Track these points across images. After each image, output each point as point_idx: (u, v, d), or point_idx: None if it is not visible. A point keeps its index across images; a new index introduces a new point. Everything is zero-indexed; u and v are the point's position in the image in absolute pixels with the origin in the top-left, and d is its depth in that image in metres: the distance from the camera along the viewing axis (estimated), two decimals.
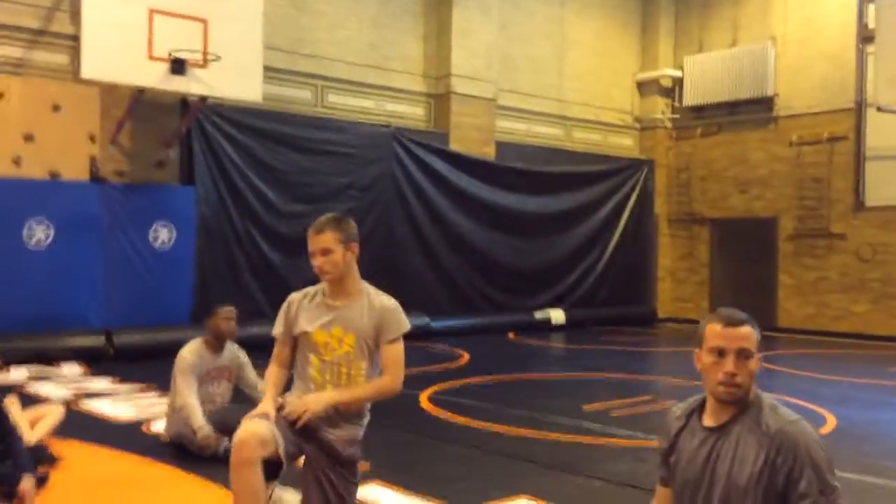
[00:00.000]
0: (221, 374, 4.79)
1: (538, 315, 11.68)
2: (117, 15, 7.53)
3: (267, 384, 3.03)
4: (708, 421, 2.39)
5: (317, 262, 2.99)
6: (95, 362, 7.54)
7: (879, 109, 8.74)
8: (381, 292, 3.09)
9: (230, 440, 2.94)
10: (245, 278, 9.27)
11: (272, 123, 9.44)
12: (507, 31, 12.00)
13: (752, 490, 2.27)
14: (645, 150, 13.86)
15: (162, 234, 8.63)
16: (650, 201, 13.61)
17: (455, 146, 11.09)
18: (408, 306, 10.37)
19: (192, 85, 8.01)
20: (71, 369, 7.28)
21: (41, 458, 3.99)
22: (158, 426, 5.02)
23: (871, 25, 11.13)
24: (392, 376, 2.95)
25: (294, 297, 3.07)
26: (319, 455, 2.89)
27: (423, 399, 6.26)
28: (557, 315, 11.88)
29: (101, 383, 6.69)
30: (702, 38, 13.52)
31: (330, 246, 2.99)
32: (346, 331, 2.98)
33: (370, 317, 2.99)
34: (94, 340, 7.92)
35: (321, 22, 10.16)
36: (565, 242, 12.42)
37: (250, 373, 4.87)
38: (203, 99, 8.39)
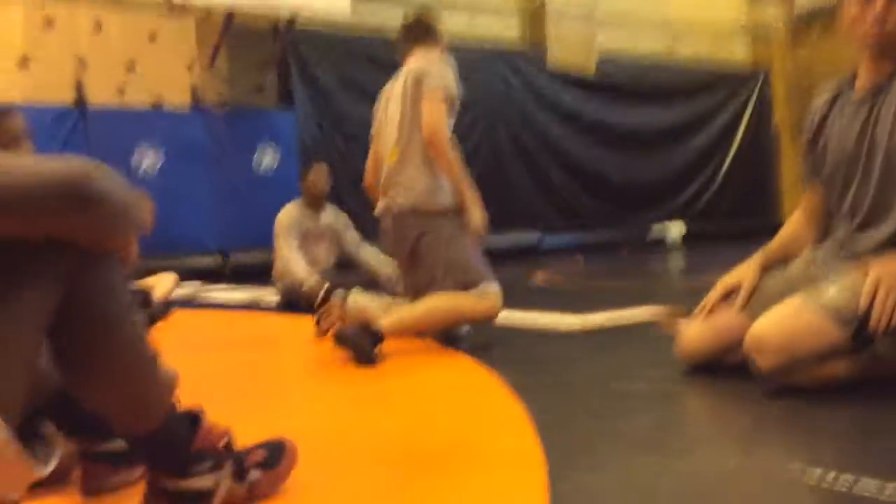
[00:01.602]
0: (322, 235, 4.67)
1: (657, 229, 11.19)
2: None
3: None
4: (861, 86, 2.03)
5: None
6: (213, 281, 7.69)
7: None
8: None
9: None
10: (348, 201, 9.19)
11: (365, 46, 9.29)
12: None
13: None
14: (759, 59, 13.01)
15: (265, 159, 8.65)
16: (767, 111, 12.80)
17: (554, 63, 10.67)
18: (518, 223, 10.01)
19: (281, 3, 7.96)
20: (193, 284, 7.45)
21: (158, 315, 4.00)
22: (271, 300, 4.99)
23: None
24: None
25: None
26: None
27: None
28: (677, 228, 11.34)
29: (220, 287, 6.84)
30: None
31: None
32: None
33: None
34: (211, 261, 8.09)
35: None
36: (679, 156, 11.84)
37: (351, 233, 4.73)
38: (292, 21, 8.33)
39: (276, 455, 1.36)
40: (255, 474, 1.31)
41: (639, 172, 11.34)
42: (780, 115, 12.92)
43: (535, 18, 10.79)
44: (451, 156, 3.03)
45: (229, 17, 8.07)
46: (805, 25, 12.59)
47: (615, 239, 10.73)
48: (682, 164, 11.86)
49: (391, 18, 9.73)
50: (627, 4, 11.72)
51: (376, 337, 2.72)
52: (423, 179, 3.06)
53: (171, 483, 1.21)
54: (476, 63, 10.01)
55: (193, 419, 1.25)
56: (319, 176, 4.66)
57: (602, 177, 11.06)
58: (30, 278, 0.98)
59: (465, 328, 3.14)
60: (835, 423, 1.71)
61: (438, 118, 3.01)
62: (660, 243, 11.00)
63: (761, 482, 1.37)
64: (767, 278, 2.23)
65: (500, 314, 3.04)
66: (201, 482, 1.22)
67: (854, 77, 2.11)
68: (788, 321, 1.92)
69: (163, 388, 1.20)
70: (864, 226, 2.08)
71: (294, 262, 4.36)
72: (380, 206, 3.23)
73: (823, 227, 2.26)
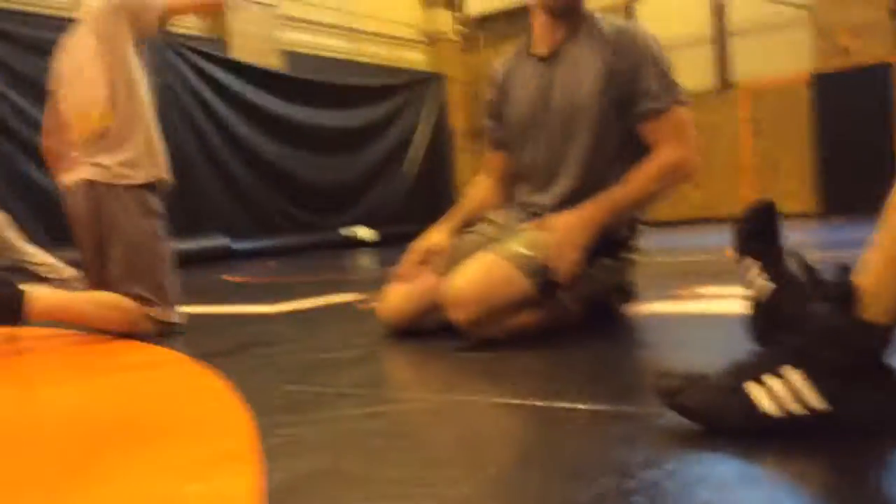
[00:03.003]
0: None
1: (344, 232, 11.31)
2: None
3: None
4: (539, 49, 2.18)
5: None
6: None
7: None
8: None
9: None
10: None
11: (14, 25, 8.32)
12: None
13: (592, 106, 2.08)
14: (435, 65, 13.80)
15: None
16: (444, 116, 13.59)
17: (236, 56, 10.39)
18: (205, 227, 9.54)
19: None
20: None
21: None
22: None
23: None
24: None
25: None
26: None
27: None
28: (365, 232, 11.57)
29: None
30: None
31: None
32: None
33: None
34: None
35: None
36: (364, 158, 12.12)
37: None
38: None
39: None
40: None
41: (326, 174, 11.42)
42: (454, 120, 13.80)
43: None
44: None
45: None
46: (476, 32, 13.60)
47: (306, 243, 10.70)
48: (368, 166, 12.16)
49: None
50: (311, 4, 11.79)
51: None
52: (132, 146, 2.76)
53: None
54: (149, 48, 9.42)
55: None
56: None
57: (290, 176, 10.96)
58: None
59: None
60: (528, 364, 1.81)
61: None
62: (351, 245, 11.16)
63: (466, 412, 1.40)
64: (459, 240, 2.32)
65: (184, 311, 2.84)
66: None
67: (530, 41, 2.25)
68: (482, 274, 2.00)
69: None
70: (543, 183, 2.23)
71: None
72: (70, 177, 2.84)
73: (508, 189, 2.40)
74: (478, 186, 2.47)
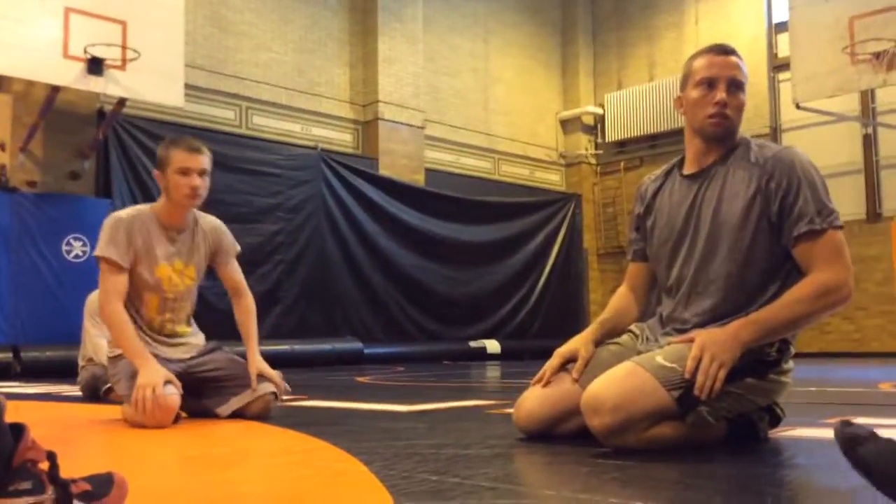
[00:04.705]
0: None
1: (475, 344, 11.41)
2: (32, 13, 7.27)
3: None
4: (690, 169, 2.22)
5: (196, 182, 2.95)
6: (1, 378, 6.94)
7: (798, 107, 9.07)
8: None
9: None
10: None
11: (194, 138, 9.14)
12: (432, 64, 12.11)
13: (741, 225, 2.09)
14: (571, 186, 14.02)
15: (76, 247, 8.13)
16: (578, 236, 13.69)
17: (384, 172, 10.96)
18: (340, 330, 9.96)
19: (110, 86, 7.70)
20: None
21: None
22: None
23: (781, 55, 11.66)
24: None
25: None
26: None
27: None
28: (492, 345, 11.62)
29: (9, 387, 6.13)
30: (620, 77, 13.93)
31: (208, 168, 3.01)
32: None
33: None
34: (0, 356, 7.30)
35: (245, 43, 10.05)
36: (497, 274, 12.30)
37: None
38: (121, 104, 8.07)
39: (103, 487, 1.23)
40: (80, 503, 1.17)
41: (460, 287, 11.66)
42: (588, 239, 13.86)
43: (367, 129, 11.11)
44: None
45: (52, 95, 7.71)
46: (614, 155, 13.78)
47: (434, 351, 10.85)
48: (500, 282, 12.32)
49: (223, 115, 9.75)
50: (455, 126, 12.36)
51: None
52: None
53: None
54: (305, 161, 10.10)
55: (16, 431, 1.11)
56: None
57: (425, 287, 11.25)
58: None
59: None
60: (666, 473, 1.78)
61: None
62: (477, 356, 11.21)
63: None
64: (600, 349, 2.33)
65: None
66: (20, 502, 1.07)
67: (682, 160, 2.31)
68: (623, 382, 2.00)
69: None
70: (688, 299, 2.23)
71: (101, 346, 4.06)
72: None
73: (647, 301, 2.41)
74: (619, 297, 2.50)
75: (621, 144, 13.70)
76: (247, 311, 3.13)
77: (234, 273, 3.15)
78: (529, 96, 13.67)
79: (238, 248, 3.18)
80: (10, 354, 7.37)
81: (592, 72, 14.24)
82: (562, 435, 2.21)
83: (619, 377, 2.01)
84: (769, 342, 2.08)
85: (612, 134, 13.66)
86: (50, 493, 1.13)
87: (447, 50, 12.43)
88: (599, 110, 13.87)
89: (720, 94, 2.11)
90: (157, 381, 2.63)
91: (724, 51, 2.16)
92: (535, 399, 2.27)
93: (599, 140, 14.01)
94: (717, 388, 1.98)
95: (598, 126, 14.00)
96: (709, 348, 2.00)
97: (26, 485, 1.09)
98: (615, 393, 1.97)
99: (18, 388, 5.49)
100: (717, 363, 1.98)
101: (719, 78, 2.12)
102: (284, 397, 3.15)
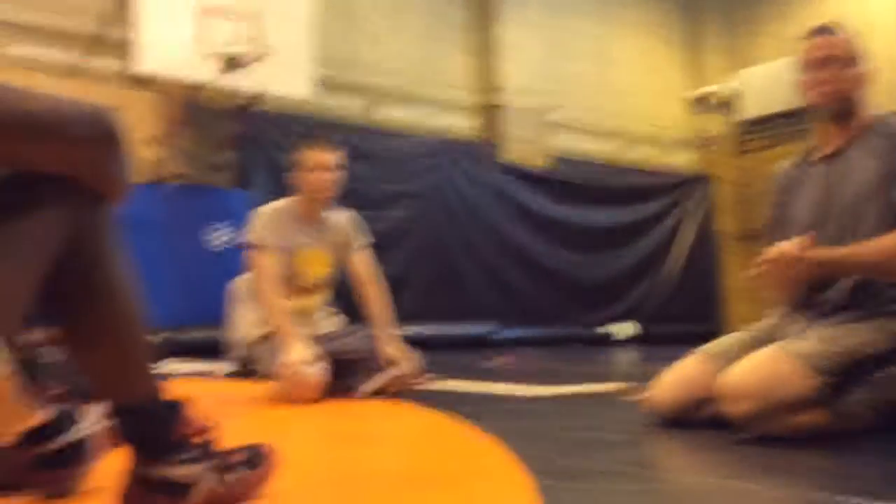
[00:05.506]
0: None
1: (606, 328, 11.28)
2: (171, 13, 7.70)
3: None
4: (823, 152, 2.17)
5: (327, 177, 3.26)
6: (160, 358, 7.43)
7: None
8: None
9: None
10: None
11: (322, 130, 9.43)
12: (554, 48, 11.96)
13: (877, 204, 2.01)
14: (704, 166, 13.55)
15: (218, 235, 8.58)
16: (711, 217, 13.23)
17: (507, 158, 10.95)
18: (469, 315, 9.95)
19: (246, 82, 8.05)
20: None
21: None
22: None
23: None
24: None
25: None
26: None
27: None
28: (628, 328, 11.45)
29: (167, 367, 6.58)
30: (750, 52, 13.32)
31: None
32: None
33: None
34: (156, 338, 7.82)
35: (370, 36, 10.25)
36: (627, 257, 12.08)
37: None
38: (257, 98, 8.43)
39: (257, 457, 1.30)
40: (236, 473, 1.24)
41: (590, 271, 11.53)
42: (723, 222, 13.35)
43: (489, 116, 11.13)
44: None
45: (193, 92, 8.14)
46: (750, 134, 13.21)
47: (567, 335, 10.77)
48: (631, 265, 12.09)
49: (350, 105, 10.01)
50: (579, 109, 12.18)
51: None
52: None
53: (150, 469, 1.14)
54: (429, 149, 10.23)
55: (176, 406, 1.20)
56: None
57: (552, 271, 11.19)
58: (34, 216, 0.94)
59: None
60: (813, 459, 1.71)
61: None
62: (607, 341, 11.07)
63: (743, 498, 1.35)
64: (742, 333, 2.27)
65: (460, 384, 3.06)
66: (182, 471, 1.16)
67: (814, 144, 2.25)
68: (762, 368, 1.93)
69: (147, 356, 1.16)
70: (825, 283, 2.15)
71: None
72: None
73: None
74: None
75: (758, 122, 13.11)
76: (375, 298, 3.27)
77: (360, 264, 3.33)
78: (655, 76, 13.28)
79: (365, 240, 3.33)
80: (166, 335, 7.90)
81: (720, 46, 13.69)
82: (699, 420, 2.16)
83: (759, 363, 1.95)
84: None
85: (748, 111, 13.09)
86: (209, 462, 1.21)
87: (568, 33, 12.24)
88: (732, 88, 13.31)
89: (820, 75, 2.16)
90: (304, 359, 2.79)
91: (819, 31, 2.21)
92: (671, 383, 2.23)
93: (732, 119, 13.46)
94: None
95: (731, 104, 13.44)
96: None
97: (188, 455, 1.18)
98: (753, 379, 1.91)
99: (174, 368, 5.85)
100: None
101: (816, 59, 2.18)
102: (420, 378, 3.24)
